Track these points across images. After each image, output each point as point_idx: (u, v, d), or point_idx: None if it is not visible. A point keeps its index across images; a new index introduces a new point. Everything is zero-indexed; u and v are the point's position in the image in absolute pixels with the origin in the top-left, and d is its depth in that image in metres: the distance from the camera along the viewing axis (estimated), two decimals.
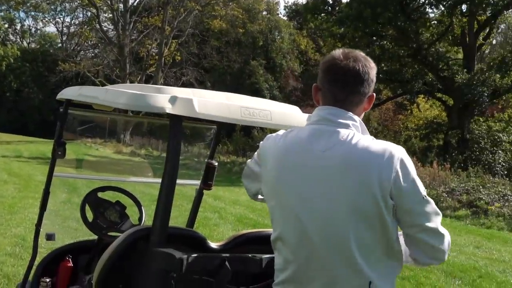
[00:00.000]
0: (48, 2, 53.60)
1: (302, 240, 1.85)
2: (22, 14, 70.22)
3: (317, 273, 1.84)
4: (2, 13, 68.75)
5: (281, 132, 2.03)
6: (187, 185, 4.20)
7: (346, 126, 1.88)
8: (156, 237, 2.45)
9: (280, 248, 1.95)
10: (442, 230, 1.88)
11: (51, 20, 68.62)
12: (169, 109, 2.40)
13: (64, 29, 67.87)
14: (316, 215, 1.83)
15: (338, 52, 1.93)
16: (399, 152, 1.82)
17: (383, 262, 1.85)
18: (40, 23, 71.14)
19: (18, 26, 72.38)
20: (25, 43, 72.38)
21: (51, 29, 71.58)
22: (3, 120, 62.11)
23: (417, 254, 1.93)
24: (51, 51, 65.19)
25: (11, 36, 72.24)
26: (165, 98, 2.42)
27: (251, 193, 2.32)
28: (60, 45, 68.14)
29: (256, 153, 2.17)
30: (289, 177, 1.89)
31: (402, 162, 1.80)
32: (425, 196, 1.83)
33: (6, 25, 70.41)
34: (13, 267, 5.95)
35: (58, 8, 63.38)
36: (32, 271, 3.53)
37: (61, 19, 67.72)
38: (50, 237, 3.62)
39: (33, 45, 71.68)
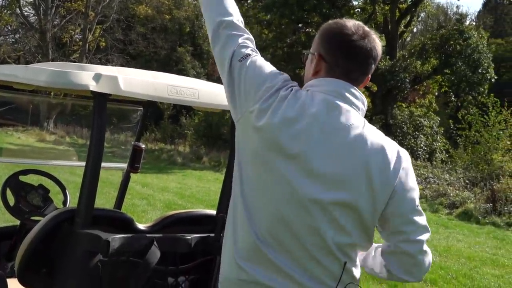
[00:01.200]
0: None
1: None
2: None
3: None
4: None
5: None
6: (113, 168, 4.11)
7: (358, 109, 1.81)
8: (81, 219, 2.38)
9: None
10: (426, 247, 1.78)
11: None
12: (93, 86, 2.33)
13: None
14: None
15: (352, 26, 1.81)
16: (406, 155, 1.79)
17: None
18: None
19: None
20: None
21: None
22: None
23: (393, 266, 1.83)
24: None
25: None
26: (89, 75, 2.35)
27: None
28: None
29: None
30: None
31: (407, 167, 1.76)
32: (418, 206, 1.79)
33: None
34: None
35: None
36: None
37: None
38: None
39: None
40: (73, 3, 37.16)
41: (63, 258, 2.44)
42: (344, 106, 1.76)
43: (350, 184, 1.68)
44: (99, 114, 2.41)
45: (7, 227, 3.65)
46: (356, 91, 1.81)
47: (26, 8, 43.28)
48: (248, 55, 1.88)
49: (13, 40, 51.41)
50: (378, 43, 1.84)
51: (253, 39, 1.99)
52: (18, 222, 3.45)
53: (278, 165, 1.69)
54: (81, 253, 2.40)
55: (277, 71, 1.85)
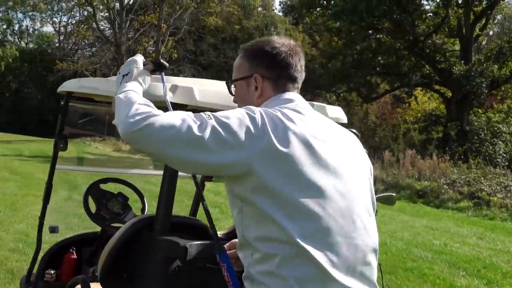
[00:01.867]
0: (45, 2, 53.55)
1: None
2: (20, 15, 70.04)
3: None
4: (0, 14, 68.70)
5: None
6: (187, 177, 4.20)
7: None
8: (159, 225, 2.46)
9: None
10: None
11: (49, 20, 68.59)
12: (170, 97, 2.40)
13: (61, 28, 67.80)
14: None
15: (277, 40, 1.90)
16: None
17: None
18: (38, 23, 71.15)
19: (16, 27, 72.28)
20: (23, 44, 72.29)
21: (48, 29, 71.56)
22: (3, 121, 62.06)
23: None
24: (49, 51, 65.17)
25: (9, 37, 72.12)
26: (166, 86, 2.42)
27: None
28: (57, 44, 67.97)
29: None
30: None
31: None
32: None
33: (4, 26, 70.32)
34: (17, 262, 5.96)
35: (55, 8, 63.28)
36: (37, 264, 3.54)
37: (58, 18, 67.63)
38: (53, 229, 3.62)
39: (31, 45, 71.61)
40: (146, 16, 38.27)
41: (143, 263, 2.53)
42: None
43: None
44: None
45: (89, 234, 3.80)
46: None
47: (102, 23, 45.08)
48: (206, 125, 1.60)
49: (90, 53, 53.57)
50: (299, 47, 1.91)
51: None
52: (99, 229, 3.59)
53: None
54: (160, 259, 2.47)
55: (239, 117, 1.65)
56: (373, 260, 1.74)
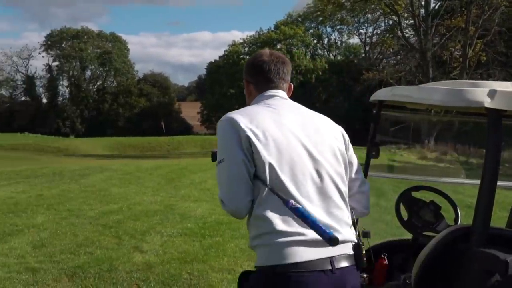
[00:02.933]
0: (352, 15, 55.94)
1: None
2: (328, 29, 74.57)
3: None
4: (311, 30, 74.24)
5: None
6: (502, 187, 3.94)
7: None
8: (477, 237, 2.36)
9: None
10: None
11: (355, 32, 71.53)
12: (488, 103, 2.29)
13: (367, 39, 70.06)
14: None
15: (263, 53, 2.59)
16: None
17: None
18: (345, 36, 74.76)
19: (326, 41, 77.25)
20: (331, 56, 76.73)
21: (355, 40, 74.41)
22: None
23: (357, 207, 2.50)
24: (355, 62, 67.95)
25: (319, 51, 77.42)
26: (483, 92, 2.32)
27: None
28: (363, 55, 70.42)
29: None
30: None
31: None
32: None
33: (315, 41, 75.82)
34: None
35: (361, 20, 65.68)
36: None
37: (364, 30, 69.89)
38: (365, 234, 3.74)
39: (339, 57, 75.62)
40: (452, 20, 37.13)
41: (458, 274, 2.45)
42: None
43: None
44: (495, 131, 2.35)
45: (399, 240, 3.83)
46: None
47: (407, 30, 45.13)
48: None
49: (394, 61, 54.10)
50: (281, 56, 2.57)
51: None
52: (407, 236, 3.59)
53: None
54: (477, 272, 2.37)
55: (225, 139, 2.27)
56: (340, 203, 2.28)
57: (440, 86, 2.64)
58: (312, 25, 73.34)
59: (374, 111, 3.48)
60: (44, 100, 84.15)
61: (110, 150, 42.37)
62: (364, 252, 2.28)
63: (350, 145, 2.49)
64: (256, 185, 2.18)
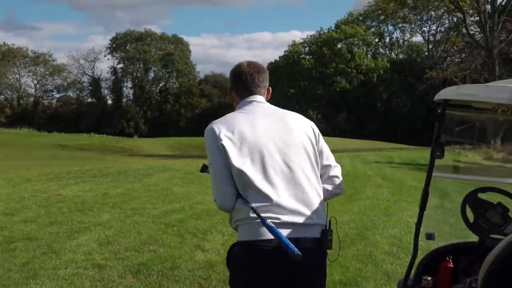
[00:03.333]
0: (414, 12, 54.84)
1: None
2: (390, 27, 73.40)
3: None
4: (372, 29, 73.26)
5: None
6: None
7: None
8: None
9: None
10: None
11: (418, 30, 70.06)
12: None
13: (430, 37, 68.51)
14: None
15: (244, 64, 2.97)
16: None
17: None
18: (407, 34, 73.42)
19: (387, 39, 76.05)
20: (393, 55, 75.50)
21: (417, 38, 73.00)
22: (375, 129, 65.80)
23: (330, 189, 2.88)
24: (418, 60, 66.60)
25: (380, 49, 76.32)
26: None
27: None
28: (426, 53, 68.88)
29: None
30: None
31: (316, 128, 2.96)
32: None
33: (377, 39, 74.79)
34: (392, 265, 6.24)
35: (424, 17, 64.26)
36: (413, 269, 3.63)
37: (427, 27, 68.34)
38: (430, 236, 3.67)
39: (400, 56, 74.32)
40: None
41: None
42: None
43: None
44: None
45: (465, 243, 3.73)
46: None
47: (472, 27, 43.86)
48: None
49: (458, 60, 52.68)
50: (258, 65, 2.96)
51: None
52: (473, 238, 3.49)
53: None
54: None
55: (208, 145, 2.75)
56: (309, 190, 2.71)
57: (508, 85, 2.55)
58: (373, 24, 72.36)
59: (439, 111, 3.41)
60: (109, 102, 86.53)
61: (172, 150, 43.13)
62: (331, 236, 2.73)
63: (321, 137, 2.90)
64: (235, 178, 2.65)
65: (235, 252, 2.74)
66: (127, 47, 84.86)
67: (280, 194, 2.64)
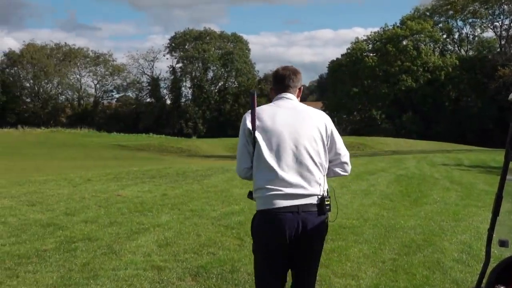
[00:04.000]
0: (486, 7, 53.31)
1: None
2: (459, 23, 71.62)
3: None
4: (440, 25, 71.65)
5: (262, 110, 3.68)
6: None
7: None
8: None
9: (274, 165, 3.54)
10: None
11: (489, 25, 68.10)
12: None
13: (503, 32, 66.42)
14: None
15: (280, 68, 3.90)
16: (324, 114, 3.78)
17: None
18: (478, 30, 71.44)
19: (456, 35, 74.20)
20: (462, 51, 73.60)
21: (488, 34, 70.85)
22: (442, 130, 64.36)
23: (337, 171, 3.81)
24: (489, 57, 64.68)
25: (449, 46, 74.58)
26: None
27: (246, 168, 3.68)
28: (498, 49, 66.85)
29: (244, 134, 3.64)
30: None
31: (330, 119, 3.75)
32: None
33: (445, 36, 73.11)
34: (461, 273, 6.09)
35: (496, 12, 62.39)
36: (485, 278, 3.53)
37: (500, 22, 66.30)
38: (503, 243, 3.55)
39: (470, 53, 72.37)
40: None
41: None
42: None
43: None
44: None
45: None
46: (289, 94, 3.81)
47: None
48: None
49: None
50: (292, 69, 3.84)
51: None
52: None
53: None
54: None
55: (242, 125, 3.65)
56: (313, 168, 3.57)
57: None
58: (441, 19, 70.81)
59: None
60: (168, 101, 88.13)
61: (231, 151, 43.49)
62: (328, 203, 3.61)
63: (334, 131, 3.73)
64: (255, 158, 3.58)
65: (256, 220, 3.68)
66: (186, 46, 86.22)
67: (286, 170, 3.53)
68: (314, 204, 3.58)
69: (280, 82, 3.80)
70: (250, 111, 3.63)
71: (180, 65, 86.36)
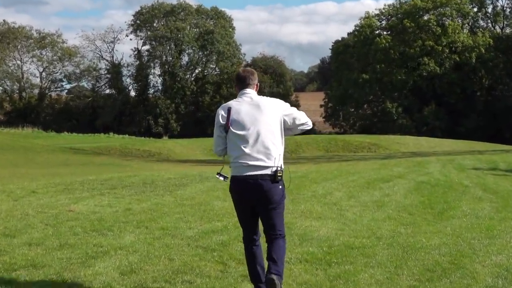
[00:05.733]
0: None
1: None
2: None
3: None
4: None
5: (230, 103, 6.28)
6: None
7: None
8: None
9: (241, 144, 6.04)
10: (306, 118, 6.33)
11: None
12: None
13: None
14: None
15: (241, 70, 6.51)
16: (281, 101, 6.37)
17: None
18: None
19: (489, 9, 74.45)
20: (497, 29, 74.00)
21: None
22: (473, 124, 64.58)
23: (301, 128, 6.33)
24: None
25: (481, 22, 74.87)
26: None
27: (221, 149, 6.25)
28: None
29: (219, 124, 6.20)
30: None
31: (285, 104, 6.31)
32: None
33: (475, 9, 73.36)
34: None
35: None
36: None
37: None
38: None
39: (507, 30, 72.80)
40: None
41: None
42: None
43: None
44: None
45: None
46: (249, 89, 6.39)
47: None
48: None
49: None
50: (250, 71, 6.49)
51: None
52: None
53: None
54: None
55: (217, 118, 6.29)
56: (270, 146, 6.03)
57: None
58: None
59: None
60: (132, 93, 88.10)
61: (212, 155, 43.45)
62: (280, 175, 5.95)
63: (288, 108, 6.23)
64: (228, 140, 6.10)
65: (231, 183, 6.16)
66: (155, 24, 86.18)
67: (250, 148, 5.96)
68: (269, 174, 5.98)
69: (242, 81, 6.36)
70: (223, 106, 6.34)
71: (147, 47, 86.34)
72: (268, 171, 5.95)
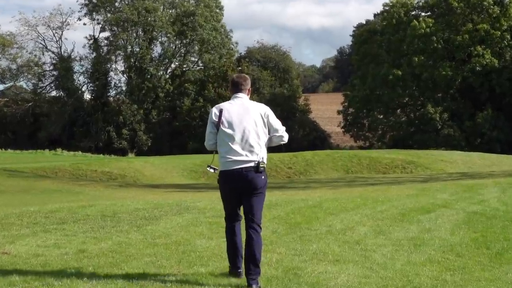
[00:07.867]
0: None
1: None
2: None
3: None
4: None
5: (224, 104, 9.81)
6: None
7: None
8: None
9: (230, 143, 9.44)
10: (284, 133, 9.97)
11: None
12: None
13: None
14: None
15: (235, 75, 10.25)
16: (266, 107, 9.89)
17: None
18: None
19: None
20: None
21: None
22: None
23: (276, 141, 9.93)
24: None
25: None
26: None
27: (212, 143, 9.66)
28: None
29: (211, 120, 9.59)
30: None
31: (268, 109, 9.82)
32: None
33: None
34: None
35: None
36: None
37: None
38: None
39: None
40: None
41: None
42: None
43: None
44: None
45: None
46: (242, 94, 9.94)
47: None
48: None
49: None
50: (243, 77, 10.04)
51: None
52: None
53: None
54: None
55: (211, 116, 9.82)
56: (253, 144, 9.42)
57: None
58: None
59: None
60: (87, 96, 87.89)
61: (192, 177, 43.50)
62: (262, 166, 9.28)
63: (271, 115, 9.54)
64: (218, 137, 9.53)
65: (219, 177, 9.47)
66: (117, 4, 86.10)
67: (236, 145, 9.22)
68: (253, 166, 9.11)
69: (236, 86, 9.54)
70: (217, 106, 9.46)
71: (106, 34, 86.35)
72: (252, 164, 9.21)
